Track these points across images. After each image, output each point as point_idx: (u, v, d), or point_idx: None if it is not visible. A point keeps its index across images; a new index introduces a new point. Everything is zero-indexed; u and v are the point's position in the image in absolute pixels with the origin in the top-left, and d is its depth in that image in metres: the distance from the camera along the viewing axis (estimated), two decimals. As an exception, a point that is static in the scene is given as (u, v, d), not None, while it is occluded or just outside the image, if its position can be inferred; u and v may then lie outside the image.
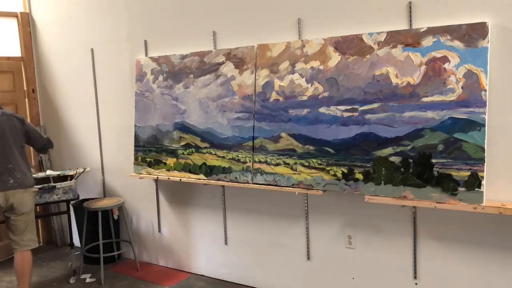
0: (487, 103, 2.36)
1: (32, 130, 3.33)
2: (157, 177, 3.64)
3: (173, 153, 3.55)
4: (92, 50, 4.19)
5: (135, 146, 3.79)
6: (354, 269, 3.06)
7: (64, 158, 4.59)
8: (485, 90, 2.37)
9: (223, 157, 3.28)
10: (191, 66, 3.46)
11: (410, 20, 2.63)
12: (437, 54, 2.50)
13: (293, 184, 2.98)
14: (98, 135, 4.26)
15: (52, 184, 3.66)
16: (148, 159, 3.69)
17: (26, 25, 4.54)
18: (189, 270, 3.88)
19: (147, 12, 3.79)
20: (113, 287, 3.64)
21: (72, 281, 3.76)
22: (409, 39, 2.58)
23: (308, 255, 3.24)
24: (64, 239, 4.71)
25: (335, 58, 2.82)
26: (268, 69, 3.09)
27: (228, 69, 3.28)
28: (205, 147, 3.38)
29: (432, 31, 2.51)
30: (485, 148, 2.37)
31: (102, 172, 4.29)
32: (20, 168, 3.14)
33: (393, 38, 2.63)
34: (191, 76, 3.46)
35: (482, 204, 2.38)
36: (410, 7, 2.63)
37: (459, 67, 2.44)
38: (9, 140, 3.13)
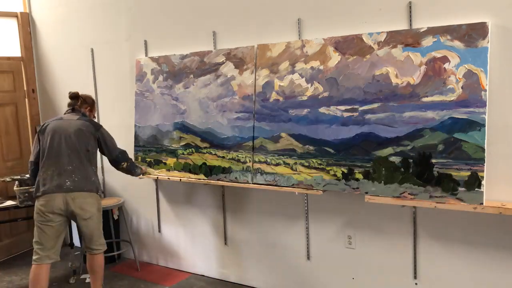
0: (487, 103, 2.36)
1: (106, 139, 3.18)
2: (157, 177, 3.64)
3: (173, 153, 3.55)
4: (92, 50, 4.19)
5: (135, 146, 3.79)
6: (354, 269, 3.06)
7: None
8: (485, 90, 2.37)
9: (223, 157, 3.28)
10: (191, 66, 3.46)
11: (410, 20, 2.63)
12: (437, 54, 2.50)
13: (293, 184, 2.98)
14: (98, 135, 4.26)
15: (52, 184, 3.65)
16: (148, 159, 3.69)
17: (26, 25, 4.54)
18: (189, 270, 3.88)
19: (147, 12, 3.79)
20: (113, 287, 3.64)
21: (72, 281, 3.77)
22: (409, 39, 2.58)
23: (308, 255, 3.24)
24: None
25: (335, 58, 2.82)
26: (268, 69, 3.09)
27: (228, 69, 3.28)
28: (205, 147, 3.38)
29: (432, 31, 2.51)
30: (485, 148, 2.37)
31: (102, 172, 4.29)
32: (80, 171, 2.98)
33: (393, 38, 2.63)
34: (191, 76, 3.46)
35: (482, 204, 2.38)
36: (410, 7, 2.63)
37: (459, 67, 2.44)
38: (74, 142, 3.00)
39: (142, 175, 3.50)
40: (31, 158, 3.09)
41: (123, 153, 3.29)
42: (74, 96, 3.23)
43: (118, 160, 3.25)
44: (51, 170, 2.95)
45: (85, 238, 3.08)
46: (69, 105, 3.25)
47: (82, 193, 2.96)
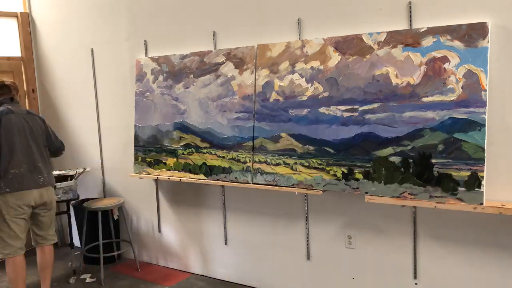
0: (487, 103, 2.36)
1: (51, 131, 3.37)
2: (157, 177, 3.64)
3: (173, 153, 3.55)
4: (92, 50, 4.19)
5: (135, 146, 3.79)
6: (354, 269, 3.06)
7: (64, 158, 4.56)
8: (485, 90, 2.37)
9: (223, 157, 3.28)
10: (191, 66, 3.46)
11: (410, 20, 2.63)
12: (437, 54, 2.50)
13: (293, 184, 2.98)
14: (98, 135, 4.26)
15: (52, 184, 3.66)
16: (148, 159, 3.69)
17: (26, 25, 4.54)
18: (189, 270, 3.88)
19: (147, 12, 3.79)
20: (113, 287, 3.64)
21: (72, 281, 3.76)
22: (409, 39, 2.58)
23: (308, 255, 3.24)
24: (64, 239, 4.71)
25: (335, 58, 2.82)
26: (268, 69, 3.09)
27: (228, 69, 3.28)
28: (205, 147, 3.38)
29: (432, 31, 2.51)
30: (485, 148, 2.37)
31: (102, 172, 4.29)
32: (46, 166, 3.22)
33: (393, 38, 2.63)
34: (191, 76, 3.46)
35: (482, 204, 2.38)
36: (410, 7, 2.63)
37: (459, 67, 2.44)
38: (36, 139, 3.20)
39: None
40: None
41: (62, 142, 3.48)
42: (2, 86, 3.23)
43: (60, 149, 3.44)
44: (23, 167, 3.09)
45: (43, 229, 3.25)
46: (2, 94, 3.22)
47: (50, 187, 3.24)
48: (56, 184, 3.64)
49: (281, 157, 3.03)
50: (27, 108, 4.50)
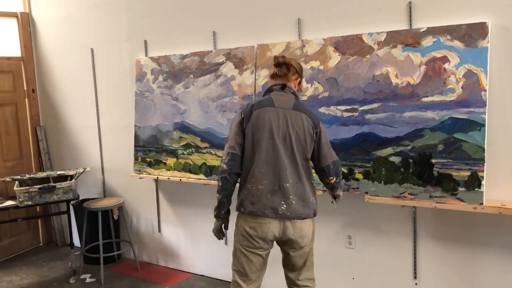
0: (487, 103, 2.37)
1: (324, 140, 2.31)
2: (157, 177, 3.64)
3: (173, 153, 3.55)
4: (92, 50, 4.19)
5: (135, 146, 3.79)
6: (354, 269, 3.06)
7: (64, 158, 4.59)
8: (485, 90, 2.37)
9: (223, 157, 3.28)
10: (191, 66, 3.46)
11: (410, 20, 2.63)
12: (437, 54, 2.50)
13: (293, 184, 2.98)
14: (98, 135, 4.26)
15: (52, 184, 3.66)
16: (148, 159, 3.69)
17: (26, 25, 4.54)
18: (189, 270, 3.88)
19: (147, 12, 3.79)
20: (113, 287, 3.64)
21: (72, 281, 3.76)
22: (409, 39, 2.58)
23: (308, 255, 3.24)
24: (64, 239, 4.71)
25: (335, 58, 2.82)
26: (268, 69, 3.09)
27: (228, 69, 3.28)
28: (205, 147, 3.38)
29: (432, 31, 2.51)
30: (485, 148, 2.37)
31: (102, 172, 4.29)
32: (299, 189, 2.23)
33: (393, 38, 2.63)
34: (191, 76, 3.46)
35: (482, 204, 2.38)
36: (410, 7, 2.63)
37: (459, 67, 2.44)
38: (292, 147, 2.22)
39: (334, 199, 2.54)
40: (236, 149, 2.26)
41: (336, 164, 2.35)
42: (282, 63, 2.36)
43: (328, 171, 2.33)
44: (263, 185, 2.21)
45: (291, 269, 2.41)
46: (273, 76, 2.39)
47: (300, 220, 2.26)
48: (56, 184, 3.65)
49: (281, 157, 3.02)
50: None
